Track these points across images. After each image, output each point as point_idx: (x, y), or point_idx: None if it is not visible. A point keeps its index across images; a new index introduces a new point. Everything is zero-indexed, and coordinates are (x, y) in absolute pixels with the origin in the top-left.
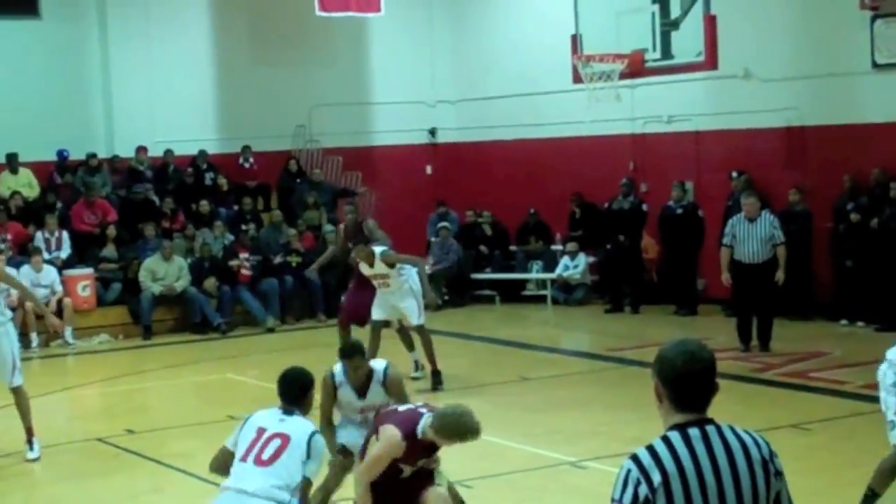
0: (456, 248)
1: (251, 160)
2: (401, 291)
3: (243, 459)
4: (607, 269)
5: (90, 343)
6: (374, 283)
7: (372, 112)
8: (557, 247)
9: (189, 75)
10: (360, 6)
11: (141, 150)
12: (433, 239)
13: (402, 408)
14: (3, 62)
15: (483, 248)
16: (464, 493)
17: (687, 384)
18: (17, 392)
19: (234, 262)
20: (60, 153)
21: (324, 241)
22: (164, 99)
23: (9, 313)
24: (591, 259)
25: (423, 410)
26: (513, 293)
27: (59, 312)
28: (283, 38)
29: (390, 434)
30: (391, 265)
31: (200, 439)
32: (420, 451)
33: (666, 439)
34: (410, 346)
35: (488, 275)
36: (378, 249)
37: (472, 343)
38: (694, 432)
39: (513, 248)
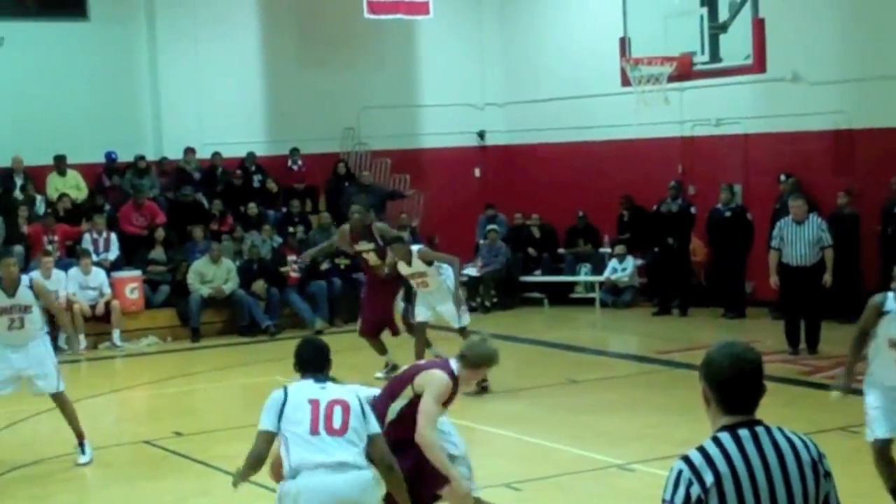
0: (504, 251)
1: (299, 162)
2: (440, 292)
3: (314, 433)
4: (655, 272)
5: (138, 345)
6: (413, 283)
7: (420, 114)
8: (606, 249)
9: (237, 77)
10: (408, 9)
11: (189, 151)
12: (482, 241)
13: (420, 363)
14: (52, 64)
15: (531, 250)
16: (512, 495)
17: (735, 386)
18: (58, 398)
19: (284, 269)
20: (109, 155)
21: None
22: (213, 101)
23: (45, 326)
24: (640, 262)
25: (442, 357)
26: (561, 296)
27: (107, 315)
28: (331, 40)
29: (440, 377)
30: (429, 262)
31: (248, 442)
32: (452, 397)
33: (716, 440)
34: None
35: (537, 277)
36: (415, 247)
37: (520, 345)
38: (744, 433)
39: (561, 250)
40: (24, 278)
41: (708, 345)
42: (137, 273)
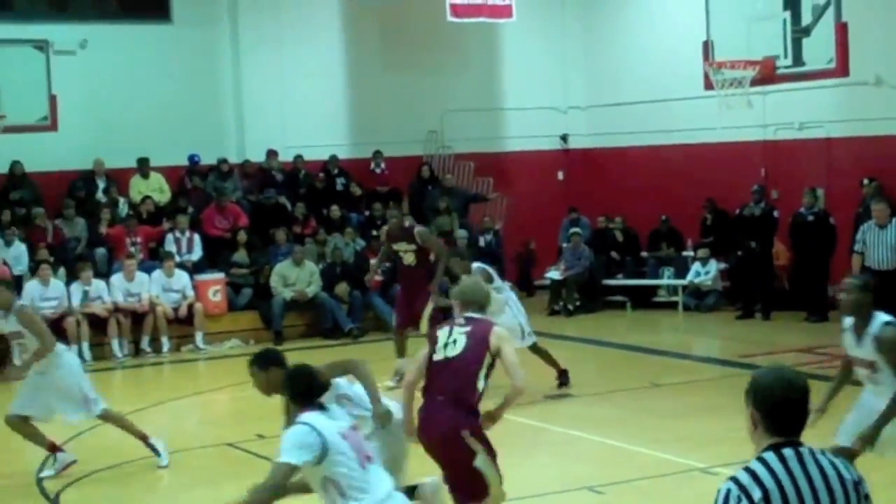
0: (587, 254)
1: (382, 165)
2: (496, 305)
3: (364, 467)
4: (738, 276)
5: (221, 348)
6: None
7: (504, 118)
8: (688, 253)
9: (320, 80)
10: (491, 12)
11: (272, 154)
12: (564, 245)
13: (473, 328)
14: (136, 67)
15: (614, 254)
16: (594, 498)
17: (785, 411)
18: (104, 418)
19: (368, 277)
20: (191, 157)
21: (456, 247)
22: (296, 104)
23: (61, 347)
24: (723, 265)
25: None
26: (644, 299)
27: (190, 317)
28: (414, 43)
29: (499, 329)
30: (487, 279)
31: None
32: None
33: (762, 460)
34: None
35: (619, 281)
36: (476, 265)
37: (602, 349)
38: (788, 452)
39: (644, 254)
40: (17, 305)
41: (791, 348)
42: (220, 276)
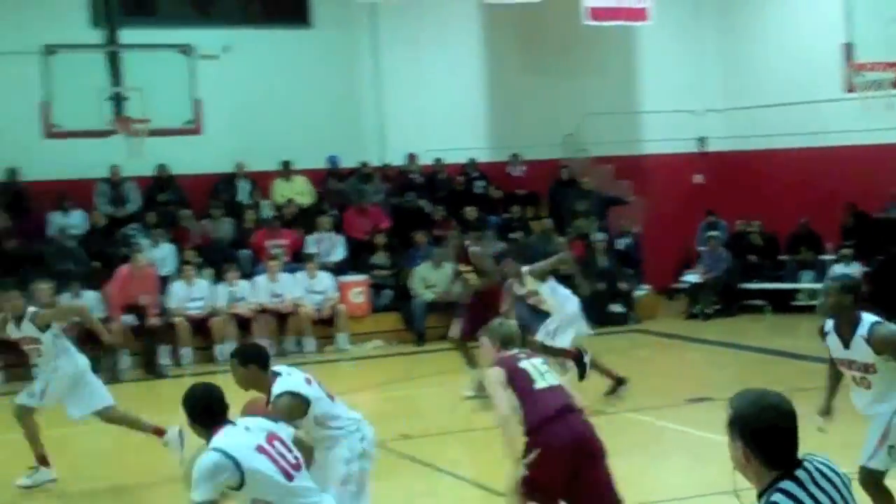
0: (725, 258)
1: (521, 168)
2: (553, 309)
3: (290, 478)
4: (880, 280)
5: (364, 348)
6: (529, 302)
7: (641, 121)
8: (828, 256)
9: (459, 83)
10: (628, 15)
11: (412, 157)
12: (702, 248)
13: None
14: (276, 71)
15: (752, 257)
16: None
17: (781, 441)
18: (108, 419)
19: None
20: (332, 160)
21: (593, 251)
22: (435, 107)
23: (66, 342)
24: (864, 269)
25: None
26: (783, 303)
27: (333, 318)
28: (551, 46)
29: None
30: (541, 279)
31: (472, 446)
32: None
33: (783, 491)
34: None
35: (758, 284)
36: (525, 268)
37: (741, 353)
38: (802, 475)
39: (783, 257)
40: (30, 312)
41: None
42: (363, 277)
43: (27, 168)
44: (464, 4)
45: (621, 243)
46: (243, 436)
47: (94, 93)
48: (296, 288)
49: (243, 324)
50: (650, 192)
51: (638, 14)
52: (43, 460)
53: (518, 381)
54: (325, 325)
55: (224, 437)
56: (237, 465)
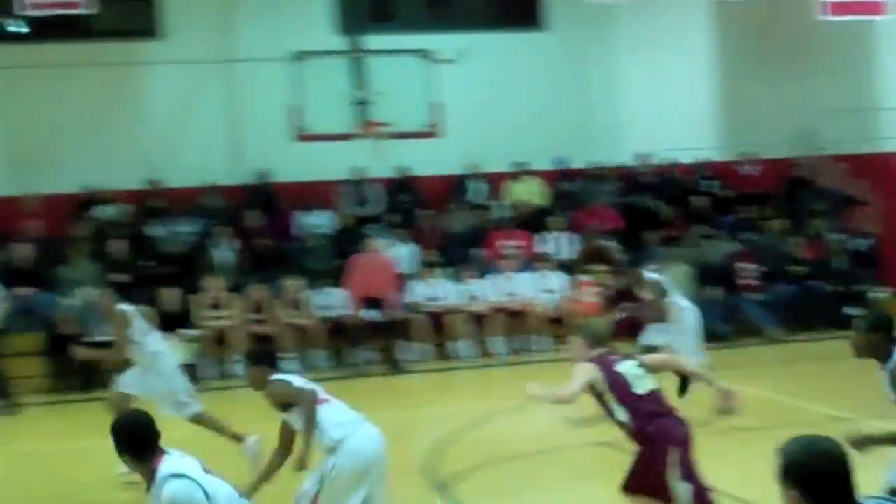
0: None
1: (755, 167)
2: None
3: (240, 494)
4: None
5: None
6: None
7: (878, 118)
8: None
9: (691, 83)
10: (865, 9)
11: (644, 157)
12: None
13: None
14: (509, 74)
15: None
16: None
17: (835, 489)
18: (196, 421)
19: (741, 281)
20: (562, 161)
21: (829, 251)
22: (666, 107)
23: (160, 346)
24: None
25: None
26: None
27: (563, 317)
28: (784, 43)
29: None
30: (659, 293)
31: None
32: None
33: None
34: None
35: None
36: (648, 275)
37: None
38: None
39: None
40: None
41: None
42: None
43: (276, 170)
44: (696, 2)
45: (859, 244)
46: (188, 460)
47: (340, 97)
48: (529, 287)
49: (478, 321)
50: (888, 193)
51: (875, 8)
52: (237, 437)
53: (617, 389)
54: (560, 324)
55: (178, 464)
56: (203, 489)
